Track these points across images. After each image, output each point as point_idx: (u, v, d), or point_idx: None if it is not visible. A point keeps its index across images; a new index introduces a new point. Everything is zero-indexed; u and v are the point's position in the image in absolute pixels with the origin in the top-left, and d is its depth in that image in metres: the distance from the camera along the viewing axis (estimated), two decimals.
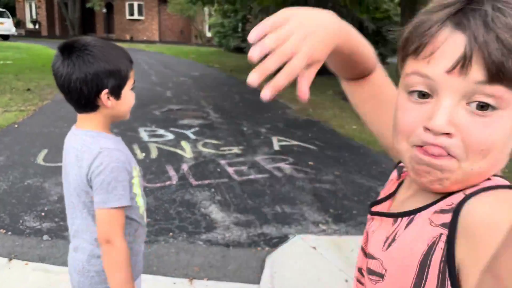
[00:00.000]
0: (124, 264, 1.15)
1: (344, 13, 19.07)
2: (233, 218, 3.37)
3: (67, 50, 1.14)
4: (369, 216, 0.66)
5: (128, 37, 30.96)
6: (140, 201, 1.29)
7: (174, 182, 4.02)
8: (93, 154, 1.16)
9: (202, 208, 3.49)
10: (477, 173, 0.51)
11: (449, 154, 0.50)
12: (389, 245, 0.57)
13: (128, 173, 1.20)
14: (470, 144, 0.50)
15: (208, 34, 30.93)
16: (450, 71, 0.49)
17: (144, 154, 4.82)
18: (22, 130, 5.62)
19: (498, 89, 0.47)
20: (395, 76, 0.64)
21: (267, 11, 20.51)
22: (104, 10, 27.89)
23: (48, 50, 17.63)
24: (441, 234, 0.50)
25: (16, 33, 24.36)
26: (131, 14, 30.91)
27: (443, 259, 0.49)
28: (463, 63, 0.48)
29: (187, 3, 17.69)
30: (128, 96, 1.22)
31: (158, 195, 3.70)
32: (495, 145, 0.50)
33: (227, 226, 3.22)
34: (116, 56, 1.17)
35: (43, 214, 3.26)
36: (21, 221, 3.14)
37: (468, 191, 0.51)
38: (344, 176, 4.49)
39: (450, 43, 0.49)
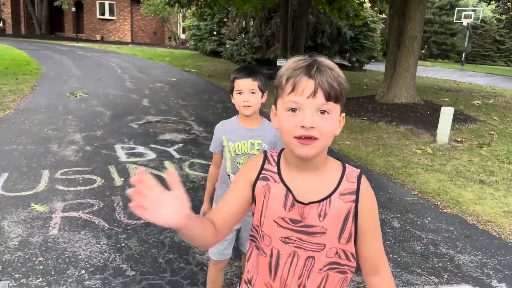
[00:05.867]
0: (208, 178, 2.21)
1: (322, 19, 18.84)
2: (238, 266, 2.82)
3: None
4: (301, 205, 1.06)
5: (98, 37, 29.77)
6: (226, 164, 2.02)
7: None
8: None
9: (197, 254, 2.93)
10: (327, 144, 1.03)
11: (314, 138, 0.99)
12: (324, 217, 1.06)
13: (218, 137, 2.03)
14: (322, 131, 1.00)
15: (182, 36, 30.16)
16: (308, 97, 0.99)
17: (122, 179, 4.20)
18: None
19: (329, 104, 1.00)
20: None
21: (245, 15, 20.02)
22: (73, 9, 26.62)
23: (12, 51, 16.52)
24: (351, 205, 1.06)
25: None
26: (102, 13, 29.75)
27: (353, 214, 1.06)
28: (314, 93, 0.98)
29: (164, 5, 16.97)
30: (236, 97, 1.94)
31: (143, 236, 3.11)
32: (330, 130, 1.02)
33: (231, 281, 2.68)
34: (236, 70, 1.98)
35: (0, 267, 2.62)
36: None
37: (347, 172, 1.10)
38: None
39: (308, 85, 0.99)
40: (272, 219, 1.08)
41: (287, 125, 1.00)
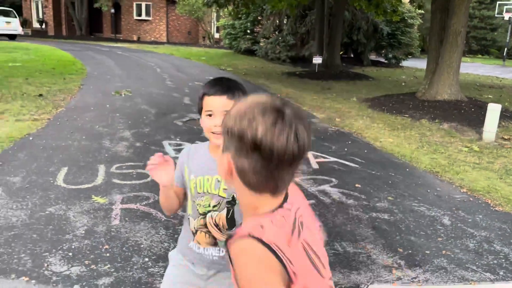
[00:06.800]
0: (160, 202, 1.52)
1: (358, 16, 18.62)
2: None
3: None
4: None
5: (135, 37, 30.53)
6: (188, 204, 1.50)
7: None
8: None
9: None
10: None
11: None
12: None
13: (180, 164, 1.50)
14: None
15: (216, 35, 30.50)
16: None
17: None
18: (37, 143, 5.15)
19: None
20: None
21: (279, 13, 20.05)
22: (112, 11, 27.44)
23: (57, 52, 17.21)
24: None
25: (22, 33, 23.99)
26: (139, 14, 30.49)
27: None
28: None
29: (203, 5, 17.24)
30: (204, 120, 1.44)
31: None
32: None
33: None
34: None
35: (70, 254, 2.80)
36: (46, 264, 2.67)
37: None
38: (399, 202, 4.01)
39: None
40: None
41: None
